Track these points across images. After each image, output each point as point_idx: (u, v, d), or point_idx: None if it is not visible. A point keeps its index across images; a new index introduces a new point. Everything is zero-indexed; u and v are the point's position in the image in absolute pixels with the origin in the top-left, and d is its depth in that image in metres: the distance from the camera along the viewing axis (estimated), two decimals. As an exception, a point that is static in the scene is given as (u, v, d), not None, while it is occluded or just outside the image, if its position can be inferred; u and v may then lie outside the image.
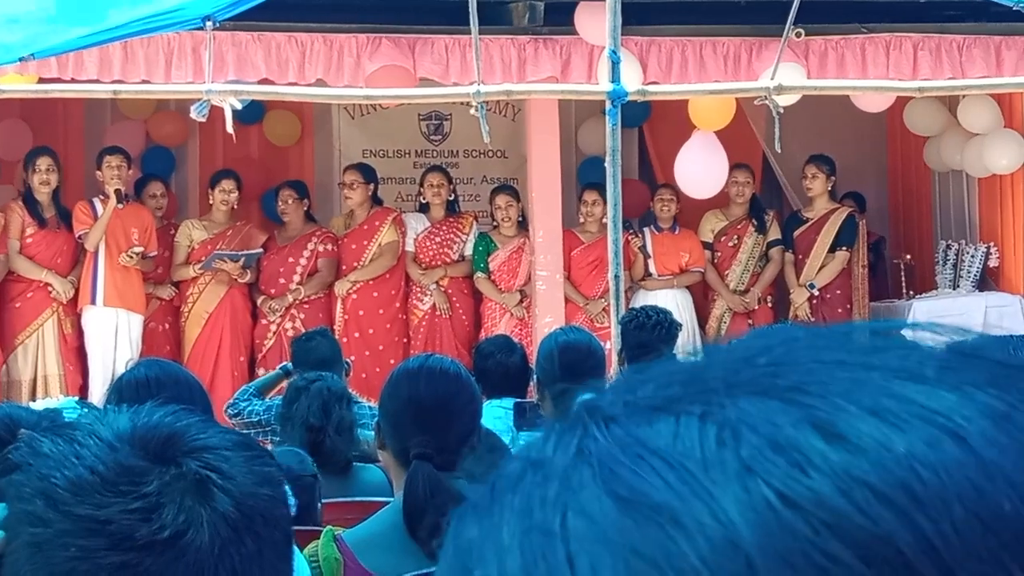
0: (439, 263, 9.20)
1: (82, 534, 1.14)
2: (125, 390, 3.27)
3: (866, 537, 0.48)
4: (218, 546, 1.16)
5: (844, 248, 9.43)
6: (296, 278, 9.08)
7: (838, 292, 9.45)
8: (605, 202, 6.96)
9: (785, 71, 7.16)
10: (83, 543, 1.14)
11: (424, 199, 9.35)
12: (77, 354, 8.69)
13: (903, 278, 9.77)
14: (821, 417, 0.51)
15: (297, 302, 9.01)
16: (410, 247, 9.20)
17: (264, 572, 1.20)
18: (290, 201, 9.19)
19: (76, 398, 6.00)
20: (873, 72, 8.37)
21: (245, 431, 5.77)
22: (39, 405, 3.78)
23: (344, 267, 9.14)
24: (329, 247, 9.17)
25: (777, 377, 0.54)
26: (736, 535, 0.49)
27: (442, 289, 9.15)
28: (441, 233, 9.25)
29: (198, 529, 1.15)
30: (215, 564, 1.16)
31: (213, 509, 1.16)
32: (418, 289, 9.18)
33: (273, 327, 8.99)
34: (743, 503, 0.50)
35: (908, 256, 9.96)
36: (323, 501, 3.91)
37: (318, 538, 2.88)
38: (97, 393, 8.10)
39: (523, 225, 9.14)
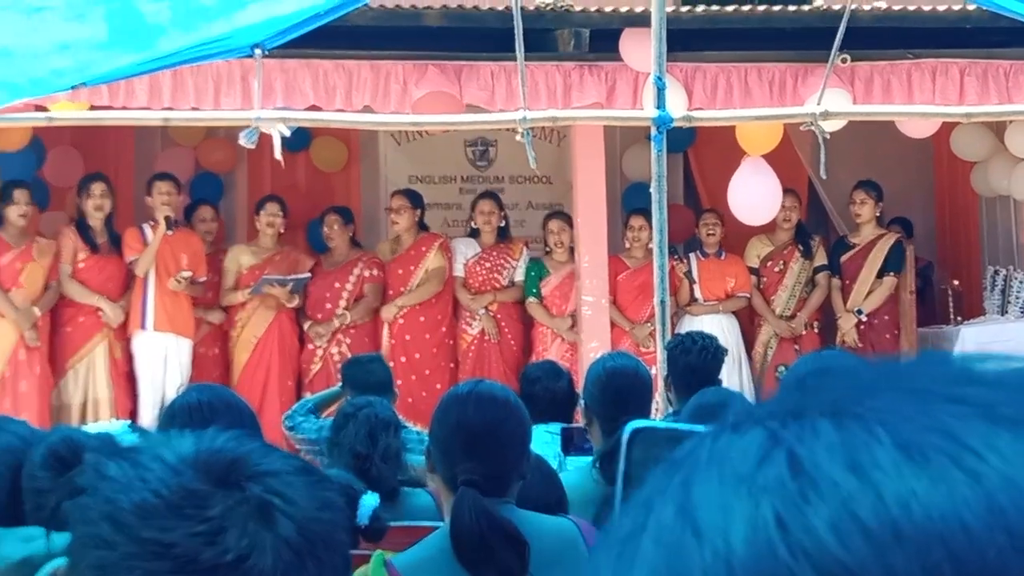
0: (488, 288, 9.20)
1: (147, 557, 1.15)
2: (178, 414, 3.31)
3: (838, 570, 0.48)
4: (280, 571, 1.17)
5: (892, 274, 9.37)
6: (342, 303, 9.11)
7: (886, 318, 9.39)
8: (651, 227, 6.95)
9: (831, 97, 7.13)
10: (148, 566, 1.15)
11: (475, 224, 9.38)
12: (127, 378, 8.75)
13: (951, 304, 9.69)
14: (854, 445, 0.51)
15: (343, 327, 9.05)
16: (459, 272, 9.22)
17: (324, 597, 1.21)
18: (335, 226, 9.24)
19: (128, 422, 6.03)
20: (919, 98, 8.33)
21: (297, 447, 5.83)
22: (92, 428, 3.80)
23: (391, 292, 9.16)
24: (375, 272, 9.20)
25: (856, 401, 0.54)
26: (731, 552, 0.50)
27: (491, 314, 9.16)
28: (491, 259, 9.26)
29: (261, 553, 1.16)
30: (277, 588, 1.17)
31: (276, 534, 1.17)
32: (467, 314, 9.18)
33: (319, 352, 9.02)
34: (749, 522, 0.51)
35: (956, 282, 9.88)
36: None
37: (368, 562, 2.90)
38: (147, 417, 8.15)
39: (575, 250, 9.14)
